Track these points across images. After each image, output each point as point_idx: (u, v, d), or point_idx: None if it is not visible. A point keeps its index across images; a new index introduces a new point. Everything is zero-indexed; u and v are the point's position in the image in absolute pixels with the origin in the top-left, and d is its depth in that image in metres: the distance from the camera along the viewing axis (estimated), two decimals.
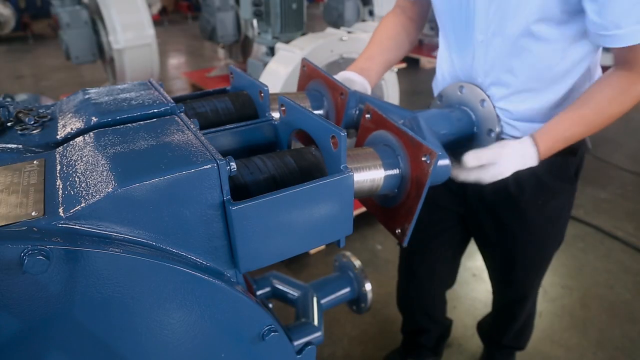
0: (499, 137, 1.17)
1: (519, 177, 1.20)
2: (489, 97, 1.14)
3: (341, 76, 1.21)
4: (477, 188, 1.24)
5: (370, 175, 0.76)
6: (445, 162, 0.88)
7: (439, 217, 1.53)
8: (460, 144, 1.14)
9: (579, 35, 1.05)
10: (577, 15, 1.00)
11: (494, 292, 1.77)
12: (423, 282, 1.73)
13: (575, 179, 1.34)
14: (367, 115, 0.87)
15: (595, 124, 1.05)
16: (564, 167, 1.30)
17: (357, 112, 1.00)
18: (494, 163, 1.02)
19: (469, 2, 1.11)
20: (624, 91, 1.01)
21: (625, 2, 0.89)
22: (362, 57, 1.34)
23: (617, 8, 0.89)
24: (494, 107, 1.14)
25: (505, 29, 1.07)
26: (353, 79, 1.21)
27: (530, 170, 1.16)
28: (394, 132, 0.80)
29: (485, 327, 1.96)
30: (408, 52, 1.46)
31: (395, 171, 0.79)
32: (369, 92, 1.22)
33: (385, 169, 0.78)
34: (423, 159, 0.74)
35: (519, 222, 1.37)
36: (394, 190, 0.81)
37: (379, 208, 0.86)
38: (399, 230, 0.80)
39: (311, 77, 1.06)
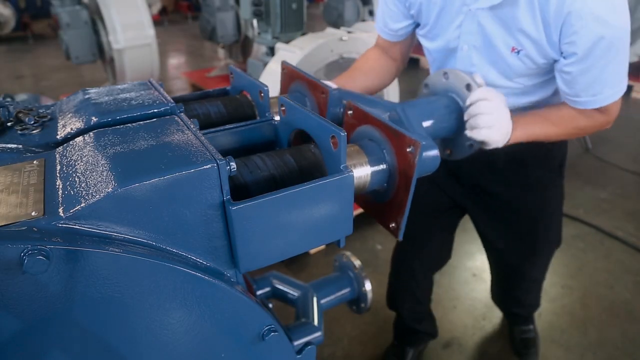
0: None
1: (507, 162, 1.38)
2: (474, 80, 1.13)
3: None
4: (470, 171, 1.42)
5: (357, 173, 0.76)
6: (432, 152, 0.87)
7: (437, 199, 1.59)
8: (451, 131, 1.14)
9: (539, 84, 1.23)
10: (539, 75, 1.19)
11: (494, 277, 1.90)
12: (416, 266, 1.78)
13: (560, 171, 1.48)
14: (350, 112, 0.87)
15: (555, 131, 1.20)
16: (547, 157, 1.42)
17: (342, 110, 0.99)
18: (498, 102, 1.06)
19: (455, 57, 1.25)
20: (588, 117, 1.18)
21: (583, 82, 1.09)
22: (343, 76, 1.38)
23: (578, 85, 1.10)
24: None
25: (486, 78, 1.21)
26: None
27: (515, 156, 1.36)
28: (377, 126, 0.79)
29: (498, 302, 2.10)
30: (387, 86, 1.52)
31: (382, 166, 0.78)
32: None
33: (372, 165, 0.77)
34: (408, 150, 0.73)
35: (509, 208, 1.50)
36: (384, 185, 0.80)
37: (372, 204, 0.86)
38: (393, 225, 0.80)
39: (292, 78, 1.06)
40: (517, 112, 1.19)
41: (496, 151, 1.28)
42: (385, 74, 1.46)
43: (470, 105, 1.07)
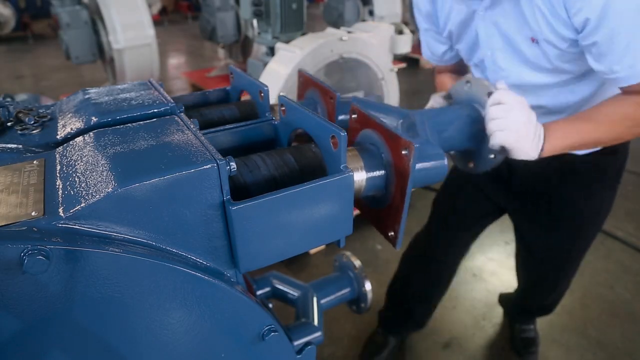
0: None
1: (561, 173, 1.33)
2: (496, 87, 1.07)
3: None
4: (523, 179, 1.37)
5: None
6: (436, 162, 0.84)
7: (478, 205, 1.59)
8: (472, 142, 1.08)
9: (580, 75, 1.12)
10: (571, 62, 1.09)
11: (526, 275, 1.86)
12: (434, 268, 1.79)
13: (616, 182, 1.39)
14: (354, 116, 0.85)
15: (601, 134, 1.08)
16: (606, 168, 1.34)
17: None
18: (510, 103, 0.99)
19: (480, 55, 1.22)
20: (637, 106, 1.04)
21: (613, 51, 0.97)
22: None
23: (609, 56, 0.98)
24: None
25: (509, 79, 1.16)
26: None
27: (571, 168, 1.29)
28: (376, 129, 0.78)
29: (510, 298, 2.11)
30: None
31: (379, 170, 0.76)
32: None
33: (367, 171, 0.75)
34: (403, 152, 0.70)
35: (560, 217, 1.45)
36: (382, 191, 0.78)
37: (371, 211, 0.84)
38: (392, 233, 0.77)
39: (307, 85, 1.06)
40: (560, 116, 1.13)
41: (548, 164, 1.21)
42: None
43: (486, 113, 1.02)
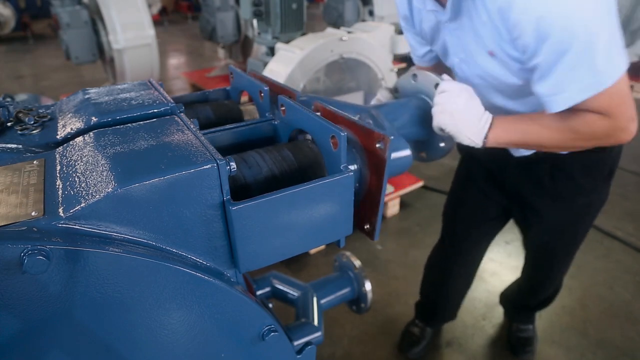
0: None
1: (552, 173, 1.36)
2: (442, 79, 1.10)
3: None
4: (514, 181, 1.42)
5: None
6: (403, 152, 0.86)
7: (485, 206, 1.62)
8: (423, 132, 1.12)
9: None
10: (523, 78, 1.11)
11: (527, 270, 1.92)
12: (457, 271, 1.86)
13: (608, 179, 1.41)
14: (318, 113, 0.83)
15: (553, 135, 1.09)
16: (597, 165, 1.36)
17: None
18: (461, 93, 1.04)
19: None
20: (589, 123, 1.06)
21: (550, 78, 1.00)
22: None
23: (546, 81, 1.01)
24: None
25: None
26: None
27: (561, 167, 1.32)
28: (346, 125, 0.77)
29: (510, 295, 2.15)
30: None
31: (351, 166, 0.75)
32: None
33: None
34: (377, 145, 0.71)
35: (550, 212, 1.49)
36: (355, 185, 0.78)
37: None
38: (368, 226, 0.78)
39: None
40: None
41: (539, 160, 1.28)
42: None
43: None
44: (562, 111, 1.05)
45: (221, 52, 5.59)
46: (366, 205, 0.77)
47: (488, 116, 1.08)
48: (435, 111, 1.06)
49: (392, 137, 0.69)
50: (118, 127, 0.65)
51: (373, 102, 1.25)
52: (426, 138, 1.14)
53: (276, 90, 0.94)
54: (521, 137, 1.10)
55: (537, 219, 1.53)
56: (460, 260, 1.84)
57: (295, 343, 0.81)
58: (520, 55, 1.03)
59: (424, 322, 2.12)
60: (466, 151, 1.60)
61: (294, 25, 3.01)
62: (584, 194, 1.41)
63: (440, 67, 1.44)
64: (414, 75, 1.15)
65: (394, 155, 0.88)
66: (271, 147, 0.73)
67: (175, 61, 7.24)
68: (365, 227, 0.78)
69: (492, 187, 1.56)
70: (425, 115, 1.10)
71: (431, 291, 2.03)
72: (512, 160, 1.39)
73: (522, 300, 2.07)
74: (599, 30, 0.93)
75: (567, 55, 0.95)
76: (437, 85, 1.10)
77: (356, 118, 0.97)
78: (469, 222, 1.70)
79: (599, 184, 1.41)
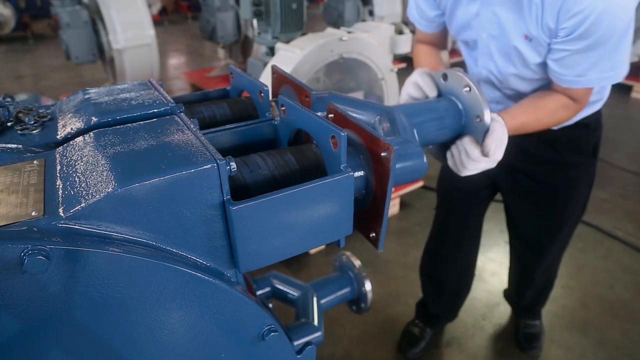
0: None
1: (539, 146, 1.43)
2: (473, 81, 1.08)
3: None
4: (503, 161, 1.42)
5: None
6: (413, 161, 0.84)
7: (476, 184, 1.63)
8: (454, 134, 1.10)
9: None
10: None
11: (514, 259, 1.95)
12: (456, 242, 1.85)
13: (593, 156, 1.49)
14: (330, 115, 0.82)
15: (541, 124, 1.22)
16: (581, 141, 1.44)
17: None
18: (504, 139, 1.06)
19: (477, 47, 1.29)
20: (567, 108, 1.21)
21: (577, 62, 1.10)
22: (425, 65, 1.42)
23: (567, 65, 1.11)
24: (480, 92, 1.10)
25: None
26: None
27: (548, 141, 1.40)
28: (354, 130, 0.76)
29: (509, 292, 2.18)
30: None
31: (358, 172, 0.74)
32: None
33: None
34: (382, 154, 0.69)
35: (541, 187, 1.53)
36: (362, 192, 0.77)
37: (355, 213, 0.84)
38: (373, 235, 0.76)
39: (281, 82, 1.03)
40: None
41: (528, 136, 1.33)
42: (439, 56, 1.51)
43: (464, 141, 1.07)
44: (555, 103, 1.17)
45: (221, 52, 5.59)
46: (372, 213, 0.76)
47: (502, 121, 1.09)
48: (464, 169, 1.08)
49: (397, 147, 0.67)
50: (118, 127, 0.65)
51: (409, 85, 1.22)
52: (454, 140, 1.11)
53: (296, 87, 0.94)
54: (521, 127, 1.19)
55: (525, 187, 1.55)
56: (460, 237, 1.83)
57: (295, 343, 0.81)
58: (550, 39, 1.08)
59: (424, 323, 2.11)
60: None
61: (294, 25, 3.01)
62: (569, 167, 1.47)
63: (441, 38, 1.45)
64: (445, 75, 1.12)
65: (403, 164, 0.84)
66: (274, 150, 0.73)
67: (175, 61, 7.24)
68: (371, 235, 0.77)
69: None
70: (453, 118, 1.08)
71: (433, 281, 2.01)
72: None
73: (519, 295, 2.08)
74: (629, 28, 1.03)
75: (600, 49, 1.03)
76: (466, 87, 1.06)
77: (376, 120, 0.96)
78: (464, 191, 1.71)
79: (584, 159, 1.47)
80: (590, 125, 1.42)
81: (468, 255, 1.93)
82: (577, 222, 1.69)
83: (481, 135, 1.05)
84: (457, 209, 1.79)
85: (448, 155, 1.11)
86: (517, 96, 1.32)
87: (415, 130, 0.99)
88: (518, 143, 1.38)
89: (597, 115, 1.43)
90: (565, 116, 1.23)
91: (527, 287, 1.97)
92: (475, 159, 1.05)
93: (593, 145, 1.47)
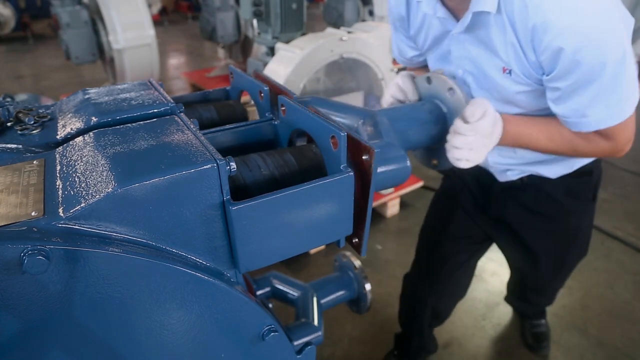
0: None
1: (538, 198, 1.33)
2: (457, 84, 1.05)
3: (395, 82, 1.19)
4: (499, 206, 1.37)
5: None
6: (397, 165, 0.82)
7: (469, 228, 1.55)
8: (439, 138, 1.07)
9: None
10: (537, 99, 1.09)
11: (512, 275, 1.94)
12: (441, 284, 1.73)
13: (593, 202, 1.40)
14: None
15: (553, 145, 1.11)
16: (580, 188, 1.35)
17: None
18: (487, 111, 1.00)
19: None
20: (589, 140, 1.07)
21: (572, 100, 0.99)
22: None
23: (565, 104, 1.00)
24: (463, 94, 1.06)
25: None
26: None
27: (547, 192, 1.31)
28: None
29: (509, 299, 2.16)
30: None
31: None
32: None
33: None
34: (364, 157, 0.68)
35: (539, 236, 1.44)
36: None
37: None
38: (356, 240, 0.75)
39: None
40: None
41: (524, 186, 1.28)
42: None
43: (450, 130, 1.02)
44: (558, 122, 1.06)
45: (221, 52, 5.59)
46: (354, 218, 0.73)
47: (499, 121, 1.05)
48: (453, 157, 1.01)
49: (377, 150, 0.66)
50: (118, 127, 0.65)
51: (392, 87, 1.18)
52: (438, 145, 1.09)
53: (275, 90, 0.93)
54: (525, 139, 1.10)
55: (521, 247, 1.48)
56: (438, 287, 1.70)
57: (295, 343, 0.81)
58: (540, 76, 1.00)
59: (400, 356, 2.01)
60: (450, 170, 1.50)
61: (294, 25, 3.01)
62: (571, 216, 1.39)
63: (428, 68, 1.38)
64: (428, 78, 1.10)
65: (386, 168, 0.84)
66: (274, 150, 0.73)
67: (175, 61, 7.24)
68: (354, 240, 0.75)
69: (476, 210, 1.49)
70: (437, 123, 1.06)
71: (407, 322, 1.91)
72: (497, 185, 1.36)
73: (524, 309, 2.10)
74: (627, 59, 0.93)
75: (595, 83, 0.94)
76: (450, 89, 1.04)
77: (359, 123, 0.95)
78: (452, 243, 1.60)
79: (584, 207, 1.40)
80: (593, 173, 1.33)
81: (452, 301, 1.84)
82: (579, 261, 1.62)
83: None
84: (444, 263, 1.65)
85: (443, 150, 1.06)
86: None
87: (398, 134, 0.97)
88: (515, 196, 1.34)
89: (598, 160, 1.34)
90: (590, 149, 1.09)
91: (528, 307, 1.99)
92: (459, 131, 0.98)
93: (593, 191, 1.38)
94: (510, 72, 1.04)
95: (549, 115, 1.10)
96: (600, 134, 1.04)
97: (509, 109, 1.13)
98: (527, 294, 1.94)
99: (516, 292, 2.08)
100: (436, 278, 1.68)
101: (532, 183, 1.31)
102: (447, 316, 1.88)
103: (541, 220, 1.39)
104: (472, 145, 0.99)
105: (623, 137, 1.04)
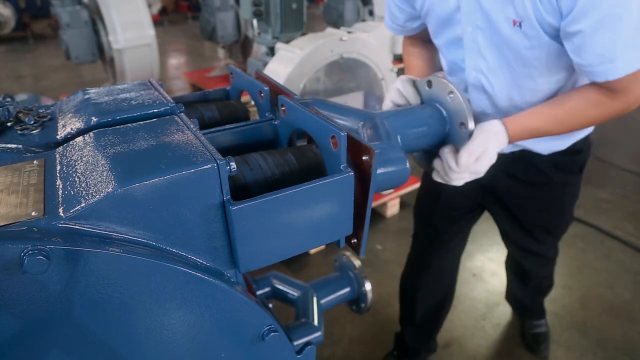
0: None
1: (527, 170, 1.38)
2: (457, 88, 1.04)
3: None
4: (489, 175, 1.33)
5: None
6: (396, 166, 0.83)
7: (461, 200, 1.59)
8: (438, 142, 1.08)
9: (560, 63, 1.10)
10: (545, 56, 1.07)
11: (508, 257, 1.97)
12: (436, 272, 1.78)
13: (580, 173, 1.46)
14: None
15: (564, 127, 1.11)
16: (568, 164, 1.40)
17: None
18: (486, 151, 1.02)
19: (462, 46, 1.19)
20: (598, 106, 1.05)
21: (595, 44, 0.93)
22: (412, 72, 1.37)
23: (589, 49, 0.94)
24: (464, 98, 1.05)
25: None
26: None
27: (536, 165, 1.35)
28: None
29: (510, 294, 2.17)
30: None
31: None
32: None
33: None
34: (364, 158, 0.68)
35: (527, 203, 1.50)
36: None
37: None
38: (355, 240, 0.75)
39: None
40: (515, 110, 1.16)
41: (515, 159, 1.30)
42: (432, 54, 1.44)
43: (444, 151, 1.04)
44: (580, 100, 1.05)
45: (221, 52, 5.58)
46: (354, 219, 0.73)
47: (496, 122, 1.06)
48: (449, 179, 1.04)
49: (378, 151, 0.66)
50: (118, 127, 0.65)
51: (392, 92, 1.18)
52: (438, 148, 1.10)
53: (276, 90, 0.93)
54: (532, 137, 1.13)
55: (512, 206, 1.53)
56: (436, 262, 1.74)
57: (295, 343, 0.81)
58: (557, 21, 0.95)
59: (400, 356, 2.01)
60: None
61: (294, 25, 3.01)
62: (555, 184, 1.44)
63: (425, 33, 1.35)
64: (429, 82, 1.10)
65: (387, 169, 0.84)
66: (274, 150, 0.73)
67: (175, 61, 7.24)
68: (352, 241, 0.75)
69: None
70: (437, 126, 1.06)
71: (408, 314, 1.91)
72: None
73: (519, 295, 2.08)
74: None
75: (622, 20, 0.88)
76: (450, 93, 1.04)
77: (359, 125, 0.95)
78: (446, 216, 1.64)
79: (571, 178, 1.45)
80: (583, 150, 1.37)
81: (449, 283, 1.86)
82: (567, 227, 1.67)
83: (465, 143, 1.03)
84: (438, 236, 1.68)
85: (433, 164, 1.09)
86: (511, 109, 1.21)
87: (398, 137, 0.97)
88: (505, 169, 1.35)
89: (588, 137, 1.39)
90: (601, 115, 1.06)
91: (525, 284, 1.98)
92: (454, 169, 1.02)
93: (580, 164, 1.43)
94: (520, 25, 1.01)
95: (562, 90, 1.11)
96: (613, 90, 0.99)
97: (525, 76, 1.12)
98: (525, 274, 1.91)
99: (513, 268, 2.04)
100: (434, 250, 1.73)
101: (523, 157, 1.34)
102: (452, 293, 1.89)
103: (529, 188, 1.44)
104: (467, 178, 1.04)
105: (636, 89, 0.99)
